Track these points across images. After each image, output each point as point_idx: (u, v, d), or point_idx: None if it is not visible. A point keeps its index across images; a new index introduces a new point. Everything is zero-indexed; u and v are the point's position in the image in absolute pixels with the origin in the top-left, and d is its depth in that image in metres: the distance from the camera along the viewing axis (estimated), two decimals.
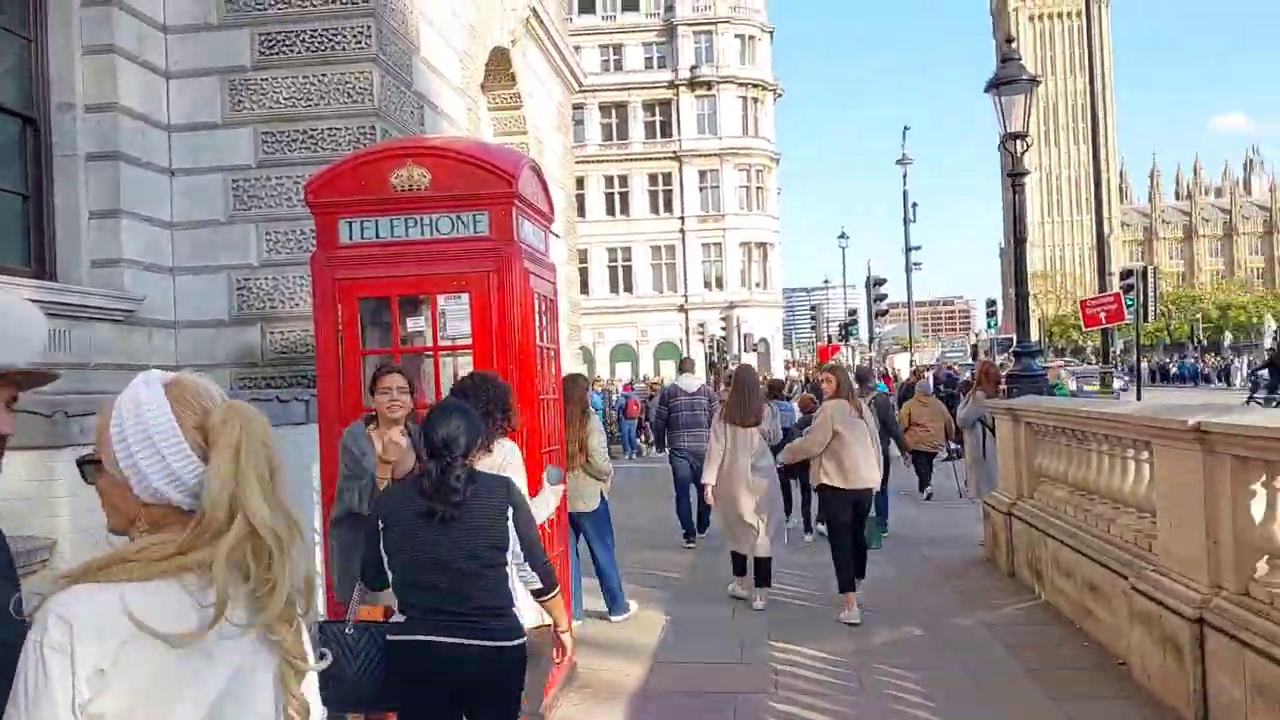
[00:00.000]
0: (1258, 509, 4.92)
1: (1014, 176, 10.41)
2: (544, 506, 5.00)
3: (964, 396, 12.28)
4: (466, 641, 3.67)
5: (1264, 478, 4.85)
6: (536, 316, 5.96)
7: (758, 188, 53.51)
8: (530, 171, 6.12)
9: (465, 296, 5.72)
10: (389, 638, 3.72)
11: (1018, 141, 10.44)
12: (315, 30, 8.94)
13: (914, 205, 35.86)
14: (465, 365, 6.07)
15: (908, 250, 35.53)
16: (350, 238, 5.56)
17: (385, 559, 3.73)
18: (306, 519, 7.57)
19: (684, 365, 13.32)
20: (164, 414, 1.73)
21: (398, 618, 3.77)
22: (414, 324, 6.29)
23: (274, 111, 8.94)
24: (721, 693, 6.07)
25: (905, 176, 36.35)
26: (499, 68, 13.96)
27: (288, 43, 8.96)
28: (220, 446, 1.70)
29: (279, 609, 1.69)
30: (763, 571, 8.19)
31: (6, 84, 7.96)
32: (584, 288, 42.74)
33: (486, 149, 6.85)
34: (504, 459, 4.65)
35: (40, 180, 8.15)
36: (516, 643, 3.80)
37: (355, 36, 8.93)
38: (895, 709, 5.68)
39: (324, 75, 8.90)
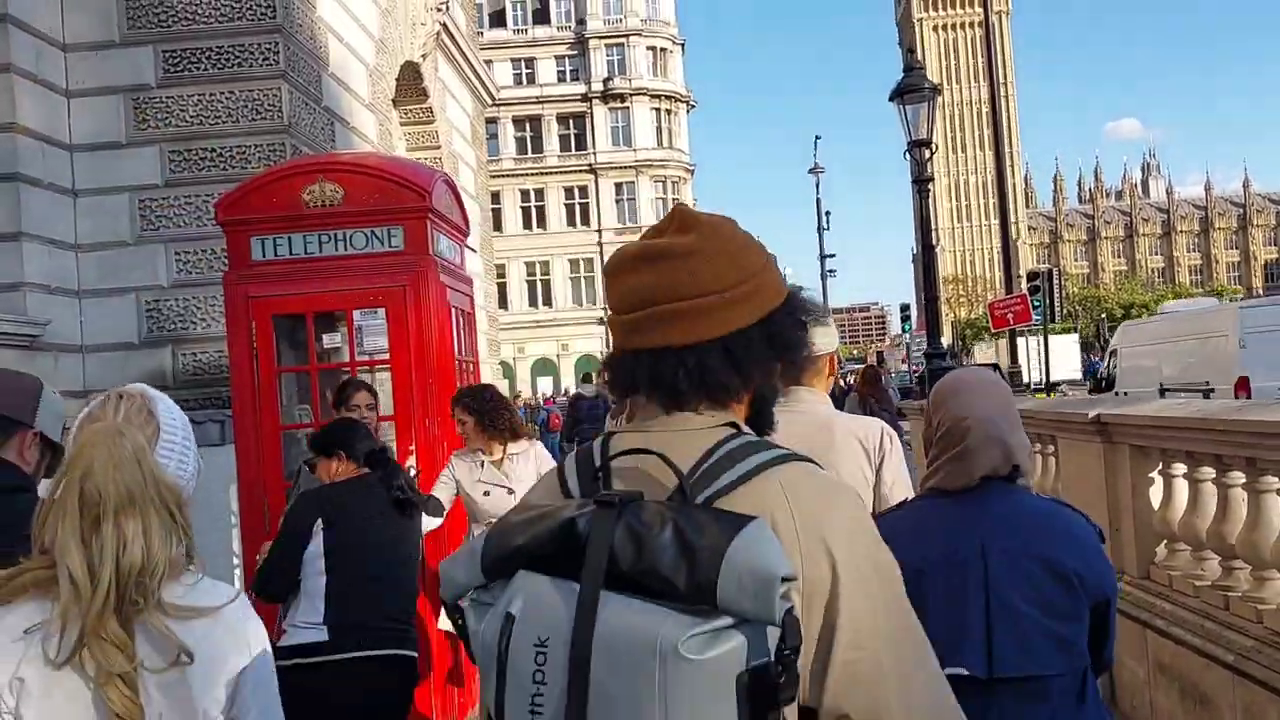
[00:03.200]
0: (1156, 496, 5.13)
1: (920, 183, 10.69)
2: None
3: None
4: (396, 652, 3.66)
5: (1161, 465, 5.06)
6: (454, 329, 5.97)
7: (673, 199, 53.88)
8: (444, 185, 6.14)
9: (382, 311, 5.71)
10: (305, 660, 3.49)
11: (923, 149, 10.72)
12: (222, 47, 8.82)
13: (828, 213, 36.49)
14: (383, 380, 6.05)
15: (823, 258, 36.12)
16: (263, 255, 5.52)
17: (322, 561, 3.61)
18: (223, 541, 7.45)
19: (587, 378, 18.23)
20: None
21: (309, 635, 3.55)
22: (330, 340, 6.26)
23: (180, 130, 8.81)
24: None
25: (818, 185, 36.98)
26: (410, 82, 13.90)
27: (193, 60, 8.83)
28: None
29: (65, 656, 1.62)
30: None
31: None
32: (502, 302, 42.56)
33: (399, 164, 6.85)
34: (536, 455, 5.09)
35: None
36: (415, 654, 3.86)
37: (263, 53, 8.84)
38: None
39: (231, 92, 8.79)
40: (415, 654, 3.80)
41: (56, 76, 8.66)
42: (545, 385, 48.56)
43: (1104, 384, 22.29)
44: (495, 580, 1.26)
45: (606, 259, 1.52)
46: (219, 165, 8.76)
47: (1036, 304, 18.41)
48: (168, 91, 8.81)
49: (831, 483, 1.39)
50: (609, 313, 1.47)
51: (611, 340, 1.48)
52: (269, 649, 1.87)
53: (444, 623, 5.03)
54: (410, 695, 3.85)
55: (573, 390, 39.82)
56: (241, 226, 5.55)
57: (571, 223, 53.50)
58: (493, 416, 4.88)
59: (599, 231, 52.84)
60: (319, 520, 3.68)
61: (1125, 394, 17.99)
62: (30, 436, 2.23)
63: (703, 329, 1.35)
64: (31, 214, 8.28)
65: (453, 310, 5.97)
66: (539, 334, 51.51)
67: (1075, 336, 49.30)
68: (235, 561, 7.01)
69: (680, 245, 1.37)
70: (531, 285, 53.27)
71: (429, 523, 4.49)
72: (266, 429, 5.49)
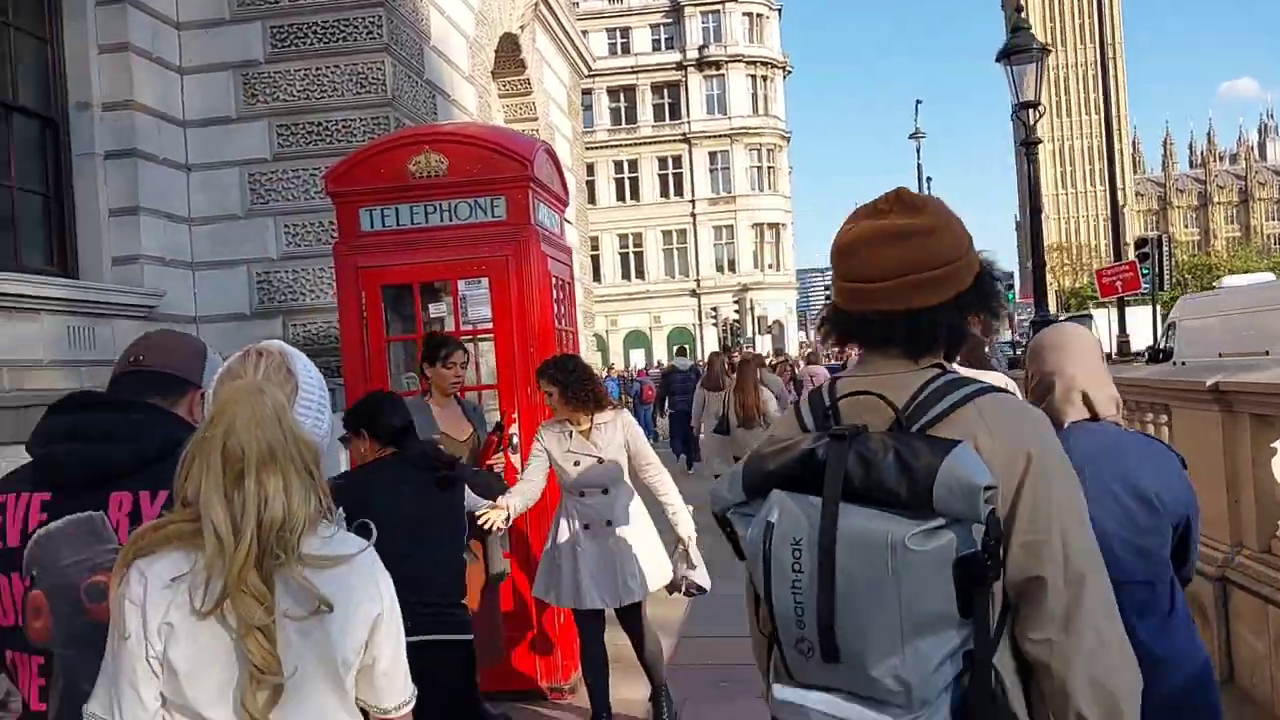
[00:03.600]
0: (1278, 467, 4.95)
1: (1027, 145, 10.42)
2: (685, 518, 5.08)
3: None
4: (446, 638, 3.50)
5: None
6: (554, 298, 6.01)
7: (769, 167, 53.35)
8: (545, 155, 6.17)
9: (485, 281, 5.78)
10: None
11: (1030, 110, 10.44)
12: (327, 22, 9.00)
13: (928, 180, 35.75)
14: (486, 350, 6.14)
15: None
16: (371, 226, 5.63)
17: None
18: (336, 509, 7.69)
19: (681, 351, 20.65)
20: None
21: None
22: (436, 310, 6.36)
23: (288, 104, 9.02)
24: (751, 664, 6.14)
25: (919, 150, 36.24)
26: (509, 54, 14.00)
27: (300, 35, 9.02)
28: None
29: (209, 606, 1.68)
30: None
31: (25, 84, 8.06)
32: (596, 275, 42.77)
33: (502, 133, 6.91)
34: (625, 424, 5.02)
35: (60, 179, 8.26)
36: (471, 637, 3.63)
37: (367, 27, 8.99)
38: None
39: (337, 66, 8.97)
40: (461, 635, 3.57)
41: (171, 54, 8.94)
42: (638, 358, 48.72)
43: (1160, 355, 22.49)
44: (753, 498, 1.67)
45: (836, 236, 1.80)
46: (325, 139, 8.95)
47: (1145, 271, 17.86)
48: (275, 67, 9.03)
49: (1019, 404, 1.79)
50: (842, 280, 1.76)
51: (840, 301, 1.78)
52: (395, 597, 1.91)
53: (539, 589, 5.10)
54: (463, 680, 3.62)
55: (665, 362, 40.28)
56: (351, 198, 5.67)
57: (665, 194, 53.36)
58: (576, 388, 4.85)
59: (692, 202, 52.64)
60: (339, 510, 3.52)
61: (1184, 364, 18.27)
62: (198, 396, 2.32)
63: (944, 292, 1.70)
64: (148, 188, 8.57)
65: (553, 279, 6.02)
66: (631, 306, 51.63)
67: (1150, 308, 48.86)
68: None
69: (920, 225, 1.71)
70: (624, 257, 53.36)
71: (478, 501, 4.21)
72: None
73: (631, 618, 5.03)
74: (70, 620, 2.02)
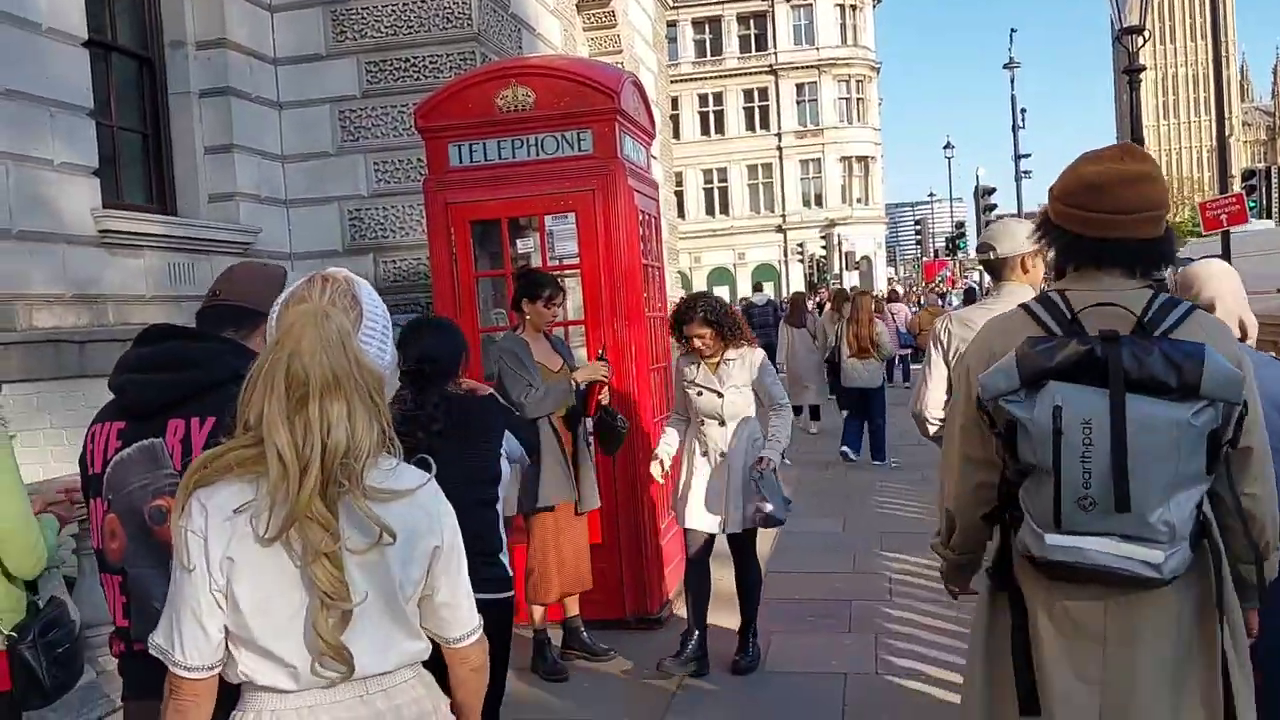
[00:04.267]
0: None
1: (1130, 73, 10.02)
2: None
3: None
4: (478, 596, 3.06)
5: None
6: (641, 234, 5.97)
7: (858, 99, 52.15)
8: (631, 86, 6.10)
9: (572, 216, 5.77)
10: None
11: (1134, 36, 10.01)
12: None
13: (1023, 111, 34.63)
14: (573, 286, 6.14)
15: (1017, 158, 34.47)
16: (460, 161, 5.64)
17: None
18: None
19: (758, 287, 20.92)
20: None
21: None
22: (523, 245, 6.38)
23: (376, 41, 9.05)
24: (837, 600, 6.16)
25: (1013, 81, 35.13)
26: None
27: None
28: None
29: (274, 533, 1.65)
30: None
31: (122, 24, 8.21)
32: (680, 211, 42.49)
33: (588, 65, 6.85)
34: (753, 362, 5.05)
35: (158, 118, 8.43)
36: (507, 595, 3.34)
37: None
38: None
39: (423, 2, 8.96)
40: (492, 595, 3.02)
41: None
42: (721, 295, 48.33)
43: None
44: (1024, 387, 2.03)
45: (1077, 175, 2.18)
46: (412, 75, 8.98)
47: (1252, 205, 17.16)
48: (363, 3, 9.05)
49: (1223, 323, 2.32)
50: (1083, 211, 2.14)
51: (1075, 228, 2.17)
52: (458, 529, 1.89)
53: (654, 468, 5.17)
54: (495, 641, 2.89)
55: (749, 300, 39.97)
56: (439, 133, 5.68)
57: (750, 127, 52.56)
58: (731, 328, 4.96)
59: (778, 135, 51.79)
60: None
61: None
62: None
63: (1161, 227, 2.16)
64: (242, 127, 8.71)
65: (639, 214, 5.97)
66: (716, 243, 51.22)
67: None
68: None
69: (1152, 172, 2.17)
70: (709, 193, 52.85)
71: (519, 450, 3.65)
72: (466, 331, 5.65)
73: (738, 547, 5.15)
74: (140, 541, 2.12)
